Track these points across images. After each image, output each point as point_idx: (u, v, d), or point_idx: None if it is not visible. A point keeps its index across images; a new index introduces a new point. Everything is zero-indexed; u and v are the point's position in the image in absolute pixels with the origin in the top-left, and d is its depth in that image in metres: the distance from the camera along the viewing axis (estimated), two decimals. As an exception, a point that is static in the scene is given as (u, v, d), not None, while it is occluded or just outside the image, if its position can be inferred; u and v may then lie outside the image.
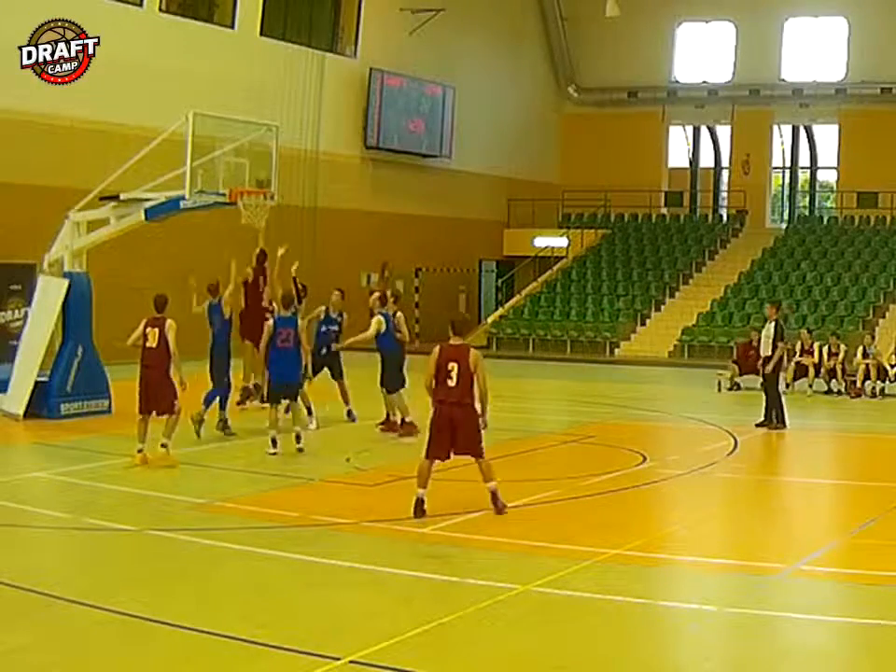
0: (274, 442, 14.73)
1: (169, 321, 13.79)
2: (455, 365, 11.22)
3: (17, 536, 10.61)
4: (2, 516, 11.10)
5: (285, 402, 15.43)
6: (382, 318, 16.39)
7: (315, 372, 17.11)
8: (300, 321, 15.39)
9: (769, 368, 18.14)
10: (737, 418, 19.20)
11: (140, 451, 13.80)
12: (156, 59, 26.80)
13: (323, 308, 17.41)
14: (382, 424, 16.73)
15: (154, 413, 13.93)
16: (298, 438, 14.93)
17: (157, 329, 13.72)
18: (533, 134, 40.01)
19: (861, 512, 12.01)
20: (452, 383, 11.20)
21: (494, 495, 11.38)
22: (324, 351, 17.10)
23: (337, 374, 17.39)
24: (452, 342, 11.44)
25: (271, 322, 15.16)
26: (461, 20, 35.77)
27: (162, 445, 13.76)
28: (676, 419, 18.96)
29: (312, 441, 15.48)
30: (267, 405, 15.62)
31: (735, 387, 23.72)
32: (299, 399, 15.57)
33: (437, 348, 11.39)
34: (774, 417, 18.04)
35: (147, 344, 13.75)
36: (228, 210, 17.89)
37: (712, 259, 37.21)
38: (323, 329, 17.27)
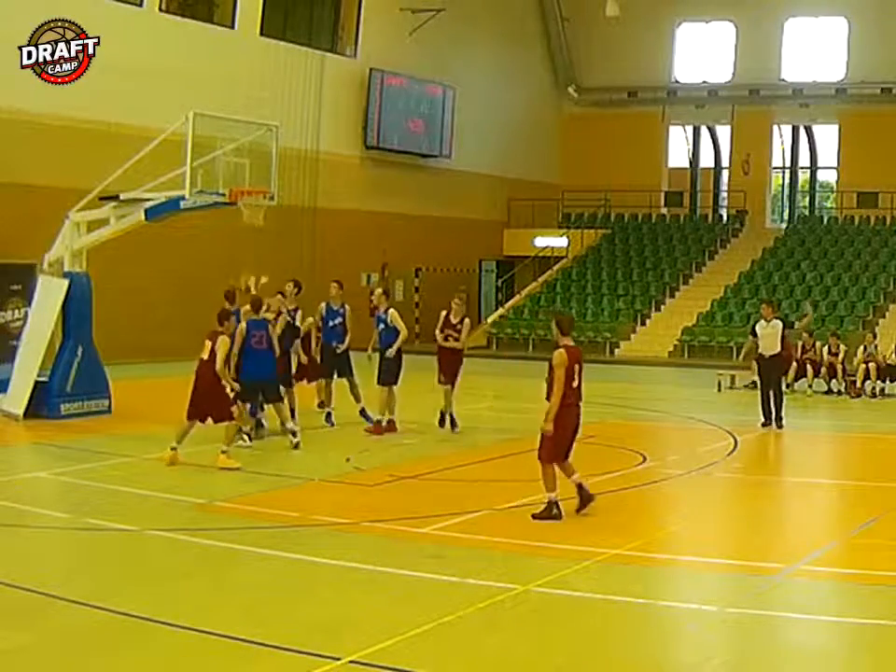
0: (249, 437, 15.11)
1: (221, 337, 13.86)
2: (578, 366, 11.29)
3: (17, 536, 10.61)
4: (2, 516, 11.09)
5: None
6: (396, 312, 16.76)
7: (329, 373, 17.18)
8: (271, 327, 15.43)
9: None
10: (737, 418, 19.20)
11: (174, 449, 13.80)
12: (156, 59, 26.79)
13: (324, 304, 17.35)
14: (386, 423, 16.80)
15: (210, 420, 13.95)
16: (294, 434, 15.05)
17: (211, 343, 13.89)
18: (533, 134, 40.01)
19: (861, 512, 12.01)
20: (575, 384, 11.23)
21: (581, 486, 11.37)
22: (334, 347, 17.03)
23: (347, 372, 17.32)
24: (568, 342, 11.38)
25: (243, 325, 15.23)
26: (461, 20, 35.75)
27: (223, 451, 13.74)
28: (676, 419, 18.99)
29: (312, 441, 15.49)
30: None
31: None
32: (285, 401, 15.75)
33: (563, 351, 11.18)
34: (772, 416, 18.10)
35: (201, 355, 13.97)
36: (228, 210, 17.89)
37: (712, 259, 37.23)
38: (329, 324, 17.13)
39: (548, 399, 11.14)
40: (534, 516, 11.17)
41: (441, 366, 16.91)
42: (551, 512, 11.14)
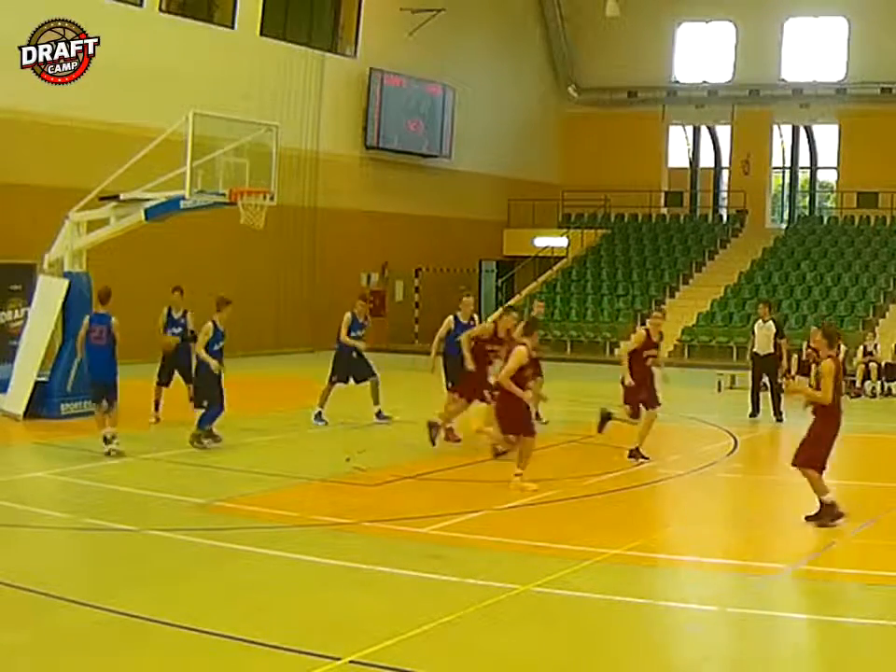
0: (106, 440, 14.43)
1: (519, 348, 12.90)
2: (842, 377, 11.42)
3: (17, 536, 10.60)
4: (2, 516, 11.08)
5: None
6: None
7: (345, 378, 17.32)
8: (114, 321, 14.89)
9: (784, 369, 19.43)
10: (737, 418, 19.21)
11: (518, 475, 12.88)
12: (156, 59, 26.76)
13: (349, 315, 17.42)
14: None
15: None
16: (107, 439, 14.44)
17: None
18: (533, 134, 39.98)
19: (861, 512, 12.00)
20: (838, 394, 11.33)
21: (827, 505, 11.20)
22: (354, 355, 17.35)
23: (369, 374, 17.44)
24: (833, 353, 11.40)
25: (87, 319, 15.07)
26: (461, 20, 35.74)
27: (517, 475, 12.88)
28: (676, 419, 18.94)
29: (312, 441, 15.48)
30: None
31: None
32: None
33: (834, 364, 11.21)
34: (760, 408, 19.06)
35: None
36: (229, 210, 17.90)
37: (712, 259, 37.20)
38: (352, 334, 17.33)
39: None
40: (807, 518, 11.12)
41: (648, 386, 15.42)
42: (829, 513, 11.04)
